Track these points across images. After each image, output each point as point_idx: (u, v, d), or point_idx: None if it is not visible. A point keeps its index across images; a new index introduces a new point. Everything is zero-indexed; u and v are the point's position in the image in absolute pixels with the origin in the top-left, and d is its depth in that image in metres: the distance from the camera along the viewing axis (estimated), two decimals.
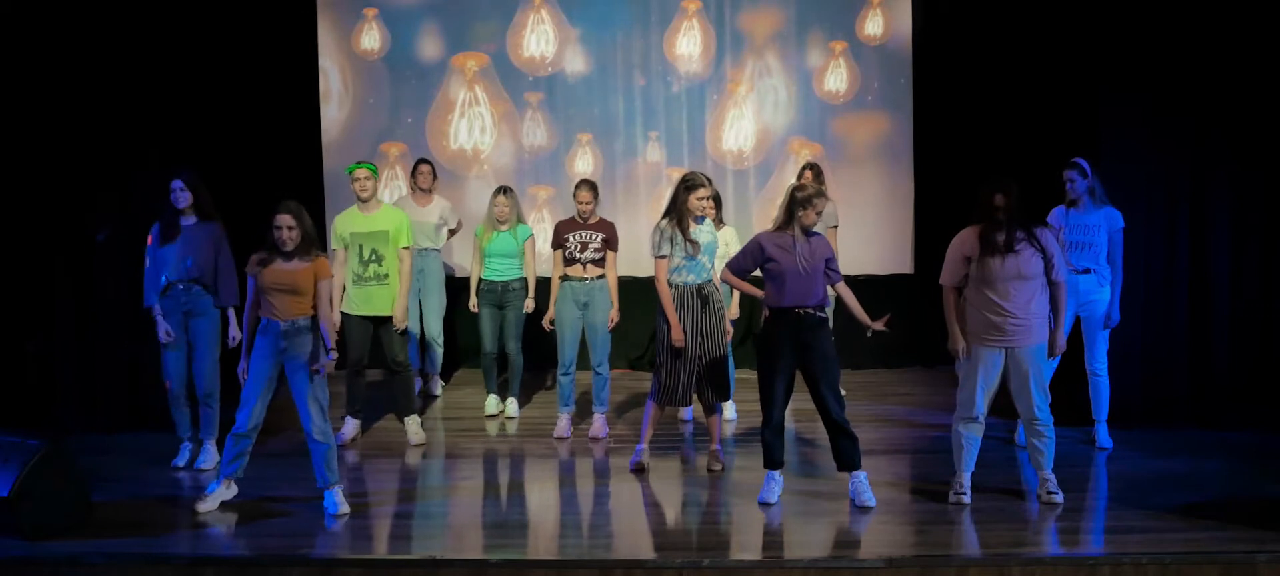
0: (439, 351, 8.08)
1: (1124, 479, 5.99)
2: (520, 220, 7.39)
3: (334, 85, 9.03)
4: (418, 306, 7.97)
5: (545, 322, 6.91)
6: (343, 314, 6.67)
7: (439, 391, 8.16)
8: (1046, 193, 6.50)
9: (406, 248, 6.69)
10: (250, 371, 5.46)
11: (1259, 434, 6.61)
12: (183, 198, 6.16)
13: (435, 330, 8.00)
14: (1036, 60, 8.01)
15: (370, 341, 6.74)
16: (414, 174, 8.04)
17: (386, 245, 6.63)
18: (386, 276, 6.64)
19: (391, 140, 9.04)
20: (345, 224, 6.72)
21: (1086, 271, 6.28)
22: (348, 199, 8.86)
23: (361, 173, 6.68)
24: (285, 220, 5.41)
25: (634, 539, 5.27)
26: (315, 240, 5.52)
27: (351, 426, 6.85)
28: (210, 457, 6.28)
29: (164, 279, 6.16)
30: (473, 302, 7.42)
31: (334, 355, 5.54)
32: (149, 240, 6.23)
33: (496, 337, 7.38)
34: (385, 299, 6.64)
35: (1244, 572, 4.77)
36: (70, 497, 5.30)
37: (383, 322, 6.68)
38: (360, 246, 6.63)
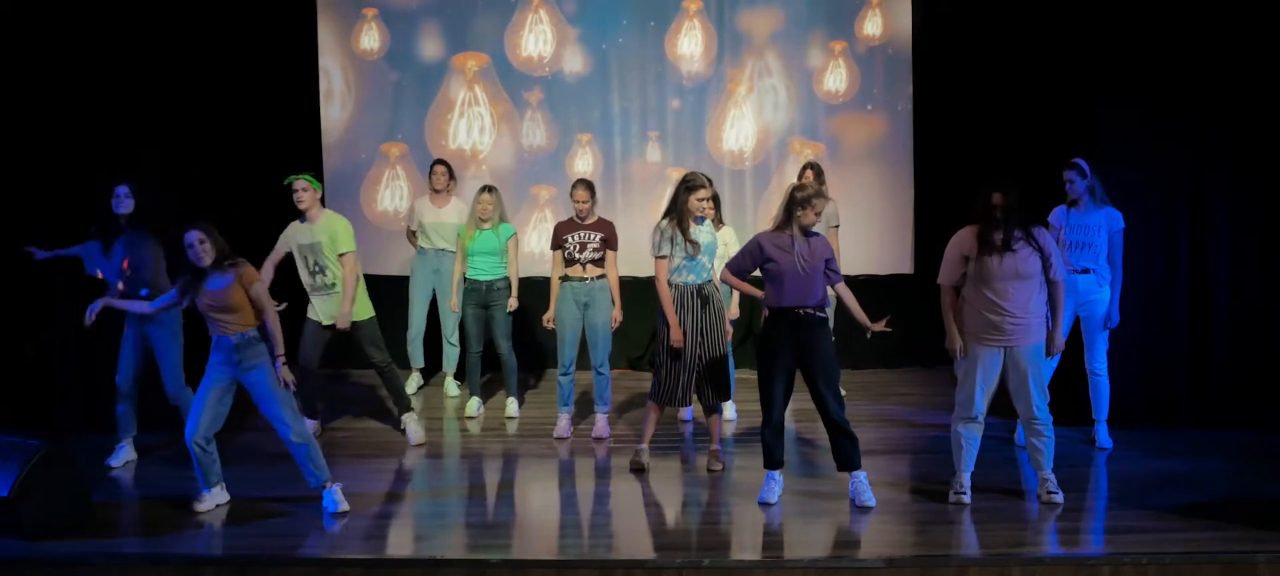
0: (456, 352, 8.09)
1: (1124, 479, 5.99)
2: (504, 219, 7.38)
3: (334, 85, 9.03)
4: (432, 307, 8.00)
5: (545, 321, 6.91)
6: (306, 318, 6.71)
7: (457, 391, 8.14)
8: (1046, 193, 6.50)
9: (345, 253, 6.58)
10: (201, 384, 5.47)
11: (1259, 434, 6.61)
12: (126, 204, 6.18)
13: (450, 330, 8.01)
14: (1036, 60, 8.01)
15: (324, 347, 6.74)
16: (430, 175, 8.03)
17: (324, 255, 6.60)
18: (333, 284, 6.63)
19: (391, 140, 9.04)
20: (292, 235, 6.70)
21: (1085, 271, 6.28)
22: (349, 200, 8.93)
23: (299, 183, 6.58)
24: (196, 236, 5.34)
25: (634, 539, 5.27)
26: (229, 252, 5.45)
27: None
28: None
29: (112, 286, 6.20)
30: (454, 302, 7.42)
31: (282, 362, 5.49)
32: (122, 268, 6.25)
33: (481, 337, 7.36)
34: (337, 308, 6.63)
35: (1244, 573, 4.78)
36: (70, 497, 5.30)
37: (351, 327, 6.68)
38: (305, 257, 6.64)
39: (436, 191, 7.97)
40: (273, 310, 5.47)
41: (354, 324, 6.67)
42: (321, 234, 6.60)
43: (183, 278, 5.45)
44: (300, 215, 6.64)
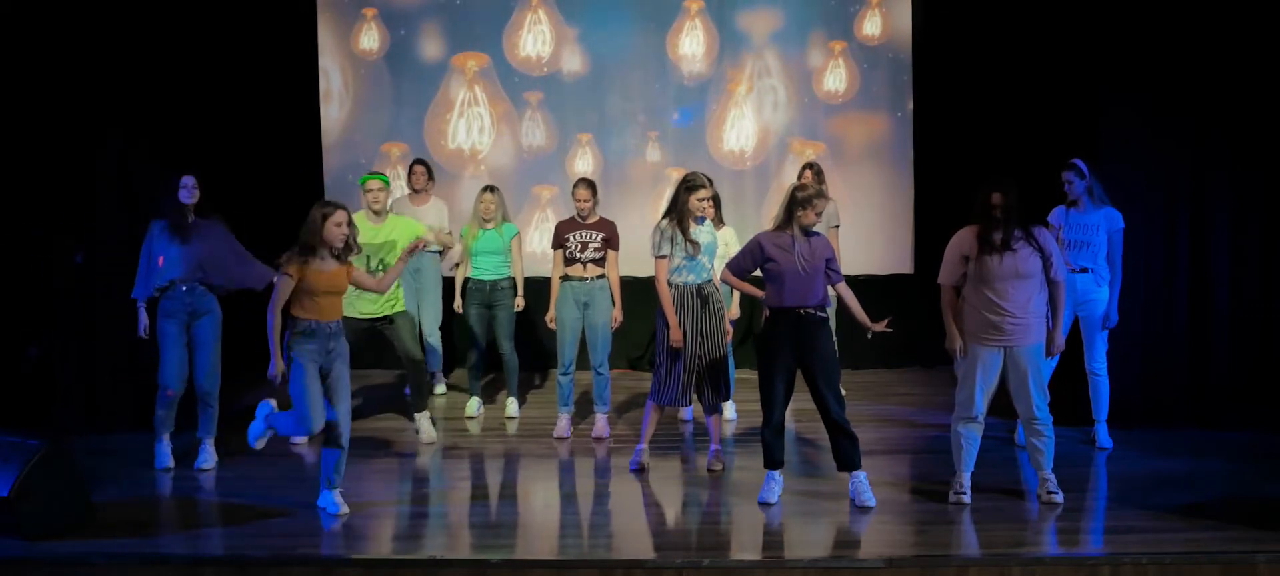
0: (438, 351, 8.09)
1: (1124, 479, 5.99)
2: (506, 218, 7.37)
3: (334, 85, 9.03)
4: (415, 308, 7.98)
5: (547, 320, 6.91)
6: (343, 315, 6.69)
7: (444, 389, 8.14)
8: (1046, 193, 6.50)
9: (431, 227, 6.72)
10: (305, 378, 5.28)
11: (1259, 434, 6.61)
12: (194, 193, 6.16)
13: (431, 330, 8.00)
14: (1036, 60, 8.01)
15: (361, 344, 6.72)
16: (408, 175, 8.03)
17: (393, 254, 6.62)
18: None
19: (392, 140, 9.04)
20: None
21: (1084, 271, 6.28)
22: (349, 200, 8.85)
23: (375, 184, 6.70)
24: (344, 217, 5.36)
25: (634, 539, 5.27)
26: None
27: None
28: (209, 458, 6.26)
29: (167, 278, 6.15)
30: (457, 303, 7.41)
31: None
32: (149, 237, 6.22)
33: (484, 337, 7.36)
34: (385, 301, 6.63)
35: (1244, 573, 4.77)
36: (70, 497, 5.29)
37: (387, 322, 6.67)
38: (368, 257, 6.61)
39: (415, 191, 7.96)
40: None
41: (394, 317, 6.69)
42: (394, 233, 6.66)
43: (293, 256, 5.31)
44: (375, 215, 6.73)
